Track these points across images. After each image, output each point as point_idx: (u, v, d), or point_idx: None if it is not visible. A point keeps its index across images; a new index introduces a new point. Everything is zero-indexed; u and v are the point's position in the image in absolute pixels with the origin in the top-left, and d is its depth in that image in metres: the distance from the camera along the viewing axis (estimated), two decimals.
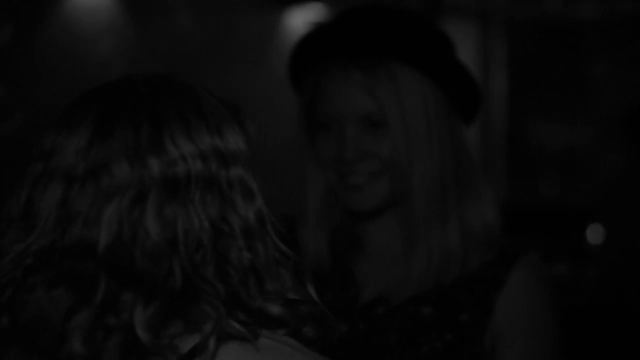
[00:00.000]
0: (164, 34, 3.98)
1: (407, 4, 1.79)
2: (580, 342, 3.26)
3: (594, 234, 4.01)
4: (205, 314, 1.08)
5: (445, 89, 1.76)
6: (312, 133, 1.79)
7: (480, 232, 1.75)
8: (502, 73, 5.98)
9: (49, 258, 1.08)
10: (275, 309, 1.13)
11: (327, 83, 1.76)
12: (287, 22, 4.35)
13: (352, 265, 1.82)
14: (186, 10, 4.09)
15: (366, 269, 1.81)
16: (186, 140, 1.11)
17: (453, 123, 1.78)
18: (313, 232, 1.79)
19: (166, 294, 1.07)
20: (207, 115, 1.14)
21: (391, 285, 1.77)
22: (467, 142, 1.81)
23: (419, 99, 1.73)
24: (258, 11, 4.30)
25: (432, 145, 1.73)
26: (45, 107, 3.51)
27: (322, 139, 1.77)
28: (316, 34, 1.82)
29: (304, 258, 1.72)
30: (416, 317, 1.73)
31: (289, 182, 1.87)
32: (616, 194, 3.72)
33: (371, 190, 1.75)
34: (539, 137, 5.93)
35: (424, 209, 1.73)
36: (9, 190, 1.15)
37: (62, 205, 1.09)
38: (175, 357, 1.07)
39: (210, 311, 1.08)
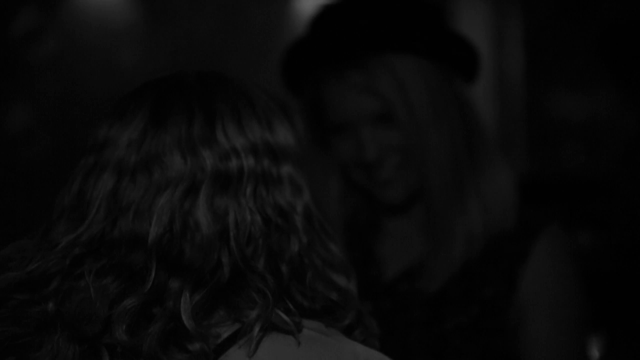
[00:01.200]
0: (172, 28, 3.97)
1: None
2: (606, 310, 3.25)
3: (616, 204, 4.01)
4: (252, 301, 1.09)
5: (443, 61, 1.73)
6: (323, 134, 1.77)
7: (498, 203, 1.73)
8: (519, 45, 5.95)
9: (98, 248, 1.10)
10: (321, 309, 1.13)
11: (328, 90, 1.73)
12: (297, 6, 4.33)
13: (372, 246, 1.81)
14: (193, 1, 4.08)
15: (386, 249, 1.81)
16: (238, 133, 1.12)
17: (458, 92, 1.75)
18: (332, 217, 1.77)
19: (214, 284, 1.08)
20: (258, 109, 1.15)
21: (414, 265, 1.76)
22: (475, 107, 1.78)
23: (421, 84, 1.70)
24: None
25: (442, 127, 1.71)
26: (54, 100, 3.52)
27: (338, 142, 1.75)
28: (305, 41, 1.78)
29: None
30: (441, 292, 1.73)
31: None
32: (636, 161, 3.69)
33: (401, 182, 1.73)
34: (559, 108, 5.90)
35: (444, 197, 1.71)
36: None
37: (113, 196, 1.10)
38: (215, 344, 1.08)
39: (257, 299, 1.09)
